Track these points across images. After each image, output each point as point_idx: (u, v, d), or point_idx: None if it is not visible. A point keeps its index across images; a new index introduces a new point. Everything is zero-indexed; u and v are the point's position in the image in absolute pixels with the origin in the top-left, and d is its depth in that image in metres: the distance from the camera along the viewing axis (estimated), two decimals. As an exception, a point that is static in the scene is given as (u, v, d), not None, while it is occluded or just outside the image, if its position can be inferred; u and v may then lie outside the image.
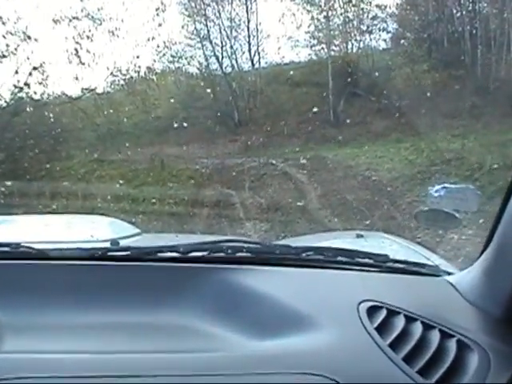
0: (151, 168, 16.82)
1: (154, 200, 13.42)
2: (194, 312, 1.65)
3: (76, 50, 16.81)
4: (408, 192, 12.05)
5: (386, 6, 28.20)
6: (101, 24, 17.38)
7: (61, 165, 17.06)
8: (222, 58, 28.74)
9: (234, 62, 29.10)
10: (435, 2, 27.40)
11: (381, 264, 1.91)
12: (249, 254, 1.89)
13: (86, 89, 18.33)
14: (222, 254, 1.88)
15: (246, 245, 1.94)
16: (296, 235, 9.36)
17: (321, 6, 27.19)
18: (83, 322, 1.59)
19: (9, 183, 14.10)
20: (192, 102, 27.78)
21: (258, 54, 29.06)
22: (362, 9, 27.68)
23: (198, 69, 29.21)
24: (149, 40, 19.12)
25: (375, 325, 1.56)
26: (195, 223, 11.78)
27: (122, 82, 21.01)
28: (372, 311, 1.60)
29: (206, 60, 29.11)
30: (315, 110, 23.24)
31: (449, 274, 1.97)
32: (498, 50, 23.93)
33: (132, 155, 18.60)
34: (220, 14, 28.68)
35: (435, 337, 1.53)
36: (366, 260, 1.91)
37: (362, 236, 2.64)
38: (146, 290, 1.73)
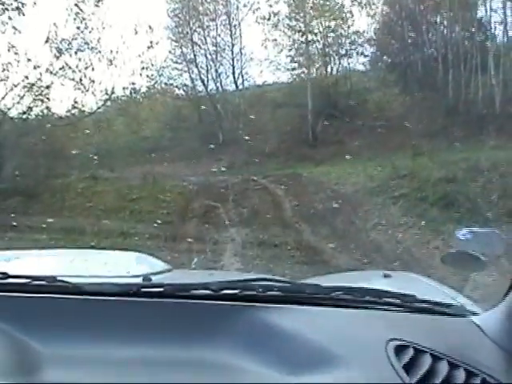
0: (143, 184, 19.18)
1: (149, 211, 16.00)
2: (225, 349, 1.73)
3: (80, 78, 19.24)
4: (366, 201, 14.71)
5: (364, 31, 31.34)
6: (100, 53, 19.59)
7: (59, 181, 19.42)
8: (208, 80, 31.88)
9: (218, 84, 32.26)
10: (411, 27, 30.18)
11: (408, 304, 1.96)
12: (280, 293, 1.93)
13: (83, 111, 20.77)
14: (253, 293, 1.92)
15: (277, 284, 1.99)
16: (279, 242, 11.57)
17: (301, 31, 29.98)
18: (118, 356, 1.70)
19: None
20: (178, 122, 30.59)
21: (242, 76, 32.13)
22: (341, 34, 30.55)
23: (184, 91, 32.23)
24: (143, 69, 21.23)
25: (402, 363, 1.62)
26: (186, 230, 14.16)
27: (112, 104, 22.77)
28: (399, 350, 1.67)
29: (192, 82, 32.22)
30: (295, 130, 25.69)
31: (474, 314, 2.03)
32: (468, 74, 26.51)
33: (124, 173, 21.06)
34: (206, 39, 31.70)
35: (461, 376, 1.62)
36: (394, 300, 1.97)
37: (389, 276, 2.71)
38: (178, 327, 1.82)
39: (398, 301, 1.98)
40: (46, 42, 18.33)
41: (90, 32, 19.01)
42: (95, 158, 21.52)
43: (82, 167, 21.39)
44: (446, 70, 27.25)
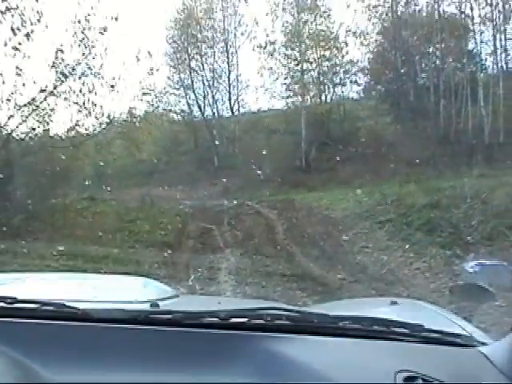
0: (141, 206, 20.09)
1: (147, 231, 16.88)
2: (233, 377, 1.74)
3: (83, 102, 20.14)
4: (355, 225, 15.65)
5: (358, 61, 32.44)
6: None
7: (59, 201, 20.31)
8: (204, 106, 33.16)
9: (215, 110, 33.53)
10: (404, 57, 31.28)
11: (416, 334, 1.95)
12: (287, 322, 1.93)
13: (83, 134, 21.66)
14: (261, 321, 1.92)
15: (285, 312, 1.99)
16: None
17: (296, 60, 31.10)
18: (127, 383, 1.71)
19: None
20: (175, 146, 31.75)
21: (238, 102, 33.52)
22: (336, 63, 31.70)
23: (181, 116, 33.48)
24: (144, 94, 22.15)
25: None
26: (183, 250, 14.93)
27: (110, 126, 23.44)
28: (408, 381, 1.68)
29: (189, 108, 33.51)
30: (288, 156, 26.71)
31: (483, 343, 2.01)
32: (458, 104, 27.50)
33: (121, 195, 21.98)
34: (203, 66, 33.06)
35: None
36: (402, 329, 1.96)
37: (396, 303, 2.71)
38: (186, 355, 1.83)
39: (406, 330, 1.97)
40: (53, 66, 19.18)
41: (93, 58, 19.90)
42: (94, 179, 22.60)
43: (81, 188, 22.38)
44: (438, 99, 28.21)
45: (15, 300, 2.00)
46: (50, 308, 1.98)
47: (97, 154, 22.61)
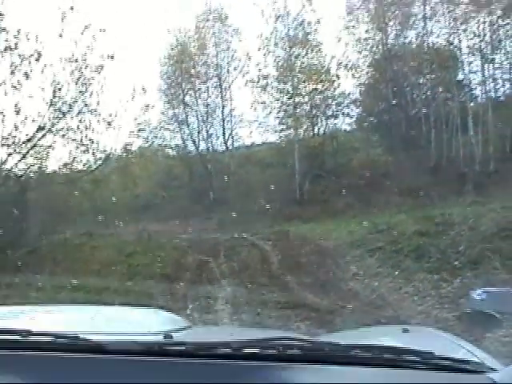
0: (138, 240, 20.55)
1: (145, 264, 17.46)
2: None
3: (81, 138, 20.97)
4: (346, 254, 16.41)
5: (349, 93, 33.07)
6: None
7: (58, 236, 20.95)
8: (199, 140, 33.76)
9: (209, 144, 34.15)
10: (395, 88, 31.93)
11: (426, 361, 1.95)
12: (299, 352, 1.95)
13: (80, 170, 22.34)
14: (273, 351, 1.94)
15: (296, 342, 2.01)
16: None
17: (289, 93, 31.72)
18: None
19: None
20: (170, 181, 32.31)
21: (232, 137, 34.14)
22: (328, 96, 32.28)
23: (176, 151, 34.12)
24: (140, 130, 22.89)
25: None
26: (180, 282, 15.35)
27: (107, 163, 23.79)
28: None
29: (184, 142, 34.11)
30: (283, 189, 27.22)
31: (493, 369, 2.02)
32: (449, 134, 28.21)
33: (118, 229, 22.51)
34: (197, 101, 33.76)
35: None
36: (412, 357, 1.97)
37: (407, 331, 2.74)
38: None
39: (416, 358, 1.98)
40: (51, 104, 19.95)
41: (90, 95, 20.67)
42: (91, 214, 23.23)
43: (80, 223, 23.15)
44: (429, 129, 28.99)
45: (29, 333, 2.06)
46: (64, 341, 2.03)
47: (94, 189, 23.19)
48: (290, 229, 21.08)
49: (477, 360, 2.12)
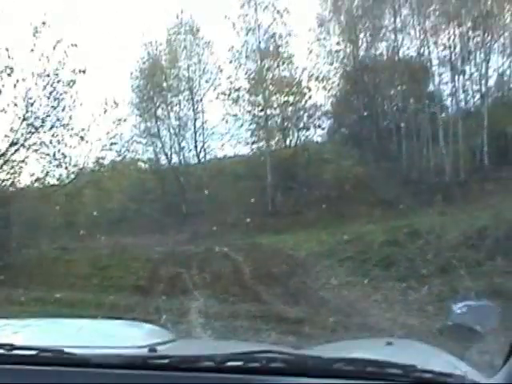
0: (111, 253, 20.68)
1: (119, 277, 17.65)
2: None
3: (54, 153, 21.26)
4: (317, 264, 16.78)
5: (321, 105, 33.62)
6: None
7: (31, 251, 21.05)
8: (171, 154, 34.28)
9: (181, 157, 34.60)
10: (366, 100, 32.67)
11: (409, 374, 1.95)
12: (282, 365, 1.95)
13: (53, 185, 22.53)
14: (257, 365, 1.95)
15: (279, 356, 2.00)
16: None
17: (261, 105, 32.17)
18: None
19: None
20: (143, 194, 32.30)
21: (204, 150, 34.68)
22: (299, 108, 32.78)
23: (149, 164, 34.26)
24: (112, 144, 23.19)
25: None
26: (154, 293, 15.63)
27: (79, 176, 23.76)
28: None
29: (156, 156, 34.60)
30: (255, 201, 27.57)
31: (476, 382, 2.04)
32: (420, 145, 28.82)
33: (91, 243, 22.74)
34: (169, 114, 34.18)
35: None
36: (395, 370, 1.96)
37: (391, 343, 2.75)
38: None
39: (399, 371, 1.97)
40: (24, 119, 20.24)
41: (62, 110, 20.98)
42: (64, 228, 23.56)
43: (54, 237, 23.26)
44: (400, 140, 29.51)
45: (13, 347, 2.06)
46: (49, 354, 2.03)
47: (67, 203, 23.49)
48: (262, 240, 21.52)
49: (460, 373, 2.10)
